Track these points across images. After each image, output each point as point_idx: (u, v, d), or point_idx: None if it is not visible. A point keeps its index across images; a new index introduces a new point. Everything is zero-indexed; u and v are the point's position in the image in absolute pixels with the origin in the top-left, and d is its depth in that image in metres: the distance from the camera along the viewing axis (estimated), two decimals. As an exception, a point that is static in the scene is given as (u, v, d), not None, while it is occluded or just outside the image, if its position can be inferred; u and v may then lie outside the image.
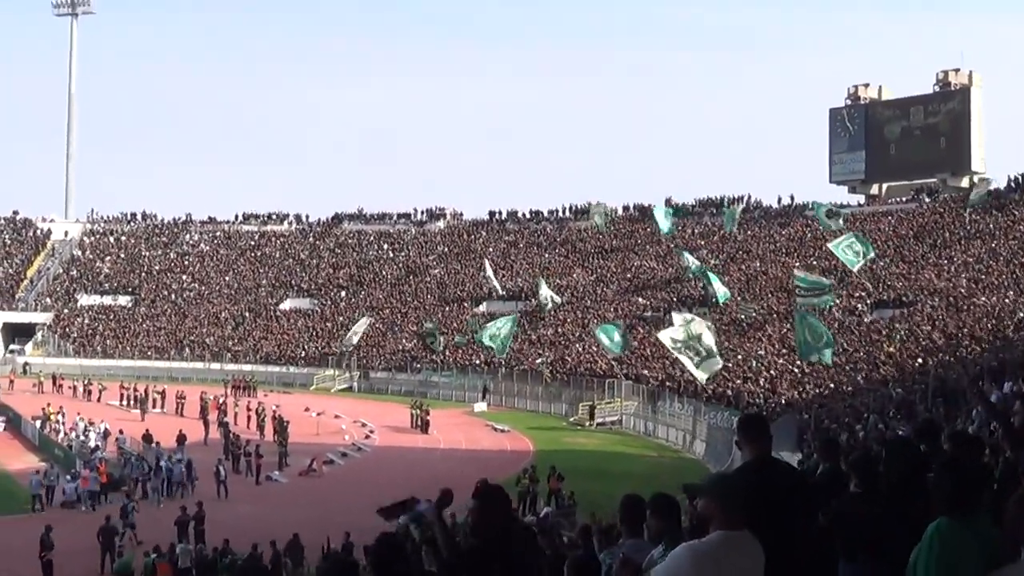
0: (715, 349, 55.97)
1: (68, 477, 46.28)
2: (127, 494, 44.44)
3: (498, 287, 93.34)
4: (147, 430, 56.71)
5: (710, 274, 77.52)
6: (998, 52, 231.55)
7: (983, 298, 64.83)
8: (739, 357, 65.03)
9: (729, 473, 8.46)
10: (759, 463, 8.18)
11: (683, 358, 55.77)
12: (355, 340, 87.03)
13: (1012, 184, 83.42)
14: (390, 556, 6.91)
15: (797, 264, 79.64)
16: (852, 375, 57.62)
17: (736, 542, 6.61)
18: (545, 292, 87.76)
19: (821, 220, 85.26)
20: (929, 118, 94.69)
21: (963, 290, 67.48)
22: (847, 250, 71.11)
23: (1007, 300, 63.35)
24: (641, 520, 8.99)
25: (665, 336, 57.67)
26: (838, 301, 71.92)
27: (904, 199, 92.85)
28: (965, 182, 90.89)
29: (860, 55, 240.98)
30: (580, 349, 78.63)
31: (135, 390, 74.12)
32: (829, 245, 73.76)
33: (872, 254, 72.65)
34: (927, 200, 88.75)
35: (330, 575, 6.71)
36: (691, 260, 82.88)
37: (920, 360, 56.08)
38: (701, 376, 56.00)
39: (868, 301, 71.48)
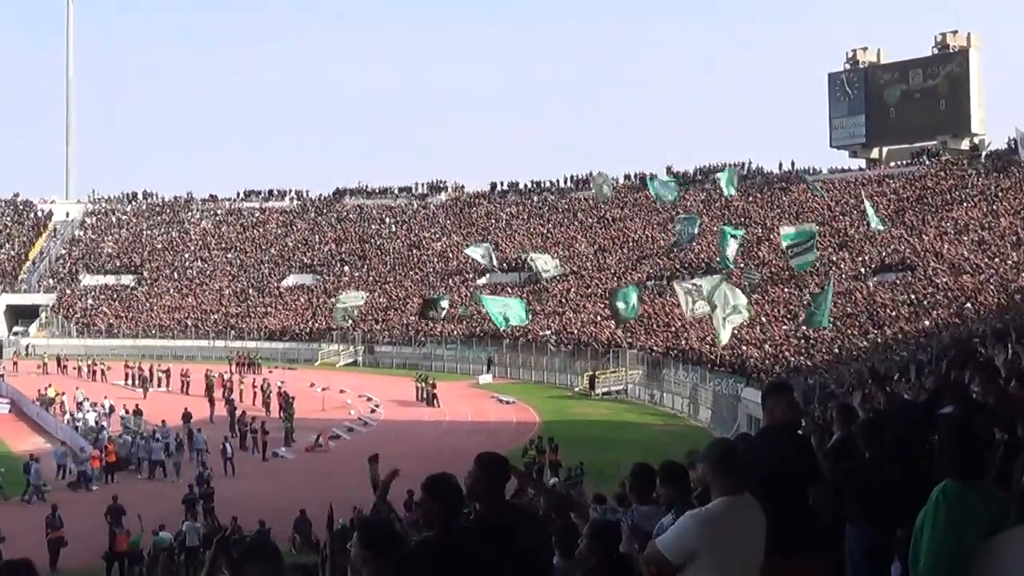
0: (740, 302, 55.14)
1: (74, 456, 46.42)
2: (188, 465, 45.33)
3: (492, 264, 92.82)
4: (136, 405, 57.53)
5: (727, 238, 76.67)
6: (996, 13, 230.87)
7: (985, 260, 64.81)
8: (744, 323, 65.01)
9: (728, 438, 8.50)
10: (772, 430, 8.21)
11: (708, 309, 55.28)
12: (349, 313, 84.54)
13: (1012, 145, 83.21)
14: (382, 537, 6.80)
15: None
16: (856, 340, 57.69)
17: (738, 507, 6.67)
18: (539, 264, 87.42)
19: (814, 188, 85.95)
20: (928, 80, 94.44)
21: (965, 252, 67.44)
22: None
23: (1009, 262, 63.34)
24: (651, 488, 9.02)
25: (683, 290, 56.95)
26: (840, 267, 72.07)
27: (904, 162, 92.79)
28: (965, 144, 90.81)
29: (858, 18, 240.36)
30: (584, 319, 78.63)
31: (140, 369, 74.25)
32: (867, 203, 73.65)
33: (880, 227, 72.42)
34: (927, 163, 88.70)
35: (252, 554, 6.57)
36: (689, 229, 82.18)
37: (925, 323, 56.21)
38: (725, 335, 55.67)
39: (871, 266, 71.52)
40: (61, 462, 45.26)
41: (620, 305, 65.67)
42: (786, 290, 70.33)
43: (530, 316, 69.60)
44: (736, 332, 60.88)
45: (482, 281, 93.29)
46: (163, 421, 51.29)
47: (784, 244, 66.33)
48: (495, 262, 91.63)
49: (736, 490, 6.68)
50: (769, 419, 8.38)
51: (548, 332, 76.86)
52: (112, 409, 58.47)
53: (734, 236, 69.11)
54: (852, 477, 8.75)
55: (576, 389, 70.70)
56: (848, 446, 9.46)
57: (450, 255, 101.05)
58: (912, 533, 6.35)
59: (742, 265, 76.59)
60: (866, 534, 8.53)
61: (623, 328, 70.71)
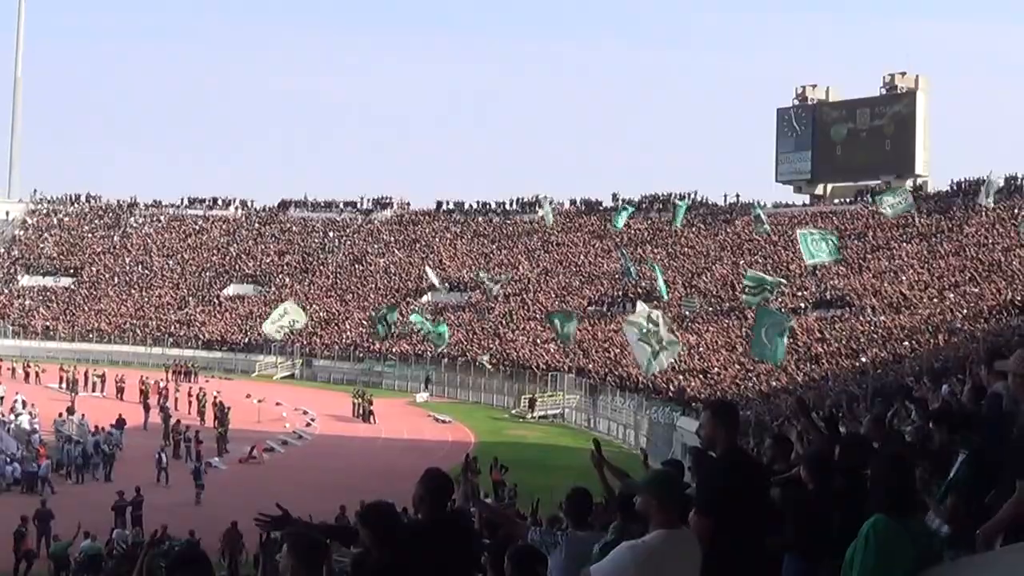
0: (672, 339, 54.87)
1: (7, 459, 45.97)
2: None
3: (437, 284, 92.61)
4: (68, 406, 57.27)
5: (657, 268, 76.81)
6: (943, 56, 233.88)
7: (924, 299, 65.45)
8: (682, 352, 65.22)
9: (668, 470, 8.48)
10: (727, 458, 8.17)
11: (639, 349, 55.13)
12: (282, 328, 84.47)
13: (954, 188, 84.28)
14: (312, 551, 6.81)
15: (746, 263, 79.79)
16: (792, 373, 58.07)
17: (675, 540, 6.63)
18: (489, 281, 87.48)
19: (757, 223, 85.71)
20: (875, 120, 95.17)
21: (904, 291, 68.07)
22: (814, 245, 70.72)
23: (947, 303, 63.98)
24: (587, 512, 9.04)
25: (629, 326, 56.94)
26: (779, 301, 72.56)
27: (848, 200, 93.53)
28: (909, 184, 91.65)
29: (808, 56, 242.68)
30: (524, 341, 78.73)
31: (75, 372, 73.61)
32: (801, 231, 73.03)
33: (832, 258, 72.00)
34: (870, 201, 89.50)
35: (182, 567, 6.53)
36: (630, 264, 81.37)
37: (862, 360, 56.64)
38: (655, 368, 55.69)
39: (810, 300, 72.05)
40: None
41: (556, 325, 65.59)
42: (725, 321, 70.71)
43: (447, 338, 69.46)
44: (675, 362, 61.18)
45: (424, 299, 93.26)
46: (96, 426, 51.03)
47: (745, 281, 66.92)
48: (436, 281, 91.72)
49: (674, 523, 6.67)
50: (726, 443, 8.17)
51: (485, 356, 76.79)
52: (25, 404, 58.23)
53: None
54: (796, 507, 8.80)
55: (513, 411, 70.79)
56: (787, 477, 9.52)
57: (393, 271, 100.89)
58: (842, 566, 6.41)
59: (682, 294, 76.95)
60: (803, 565, 8.57)
61: (563, 352, 70.90)
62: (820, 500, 8.85)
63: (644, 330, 49.21)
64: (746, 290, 64.67)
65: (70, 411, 56.06)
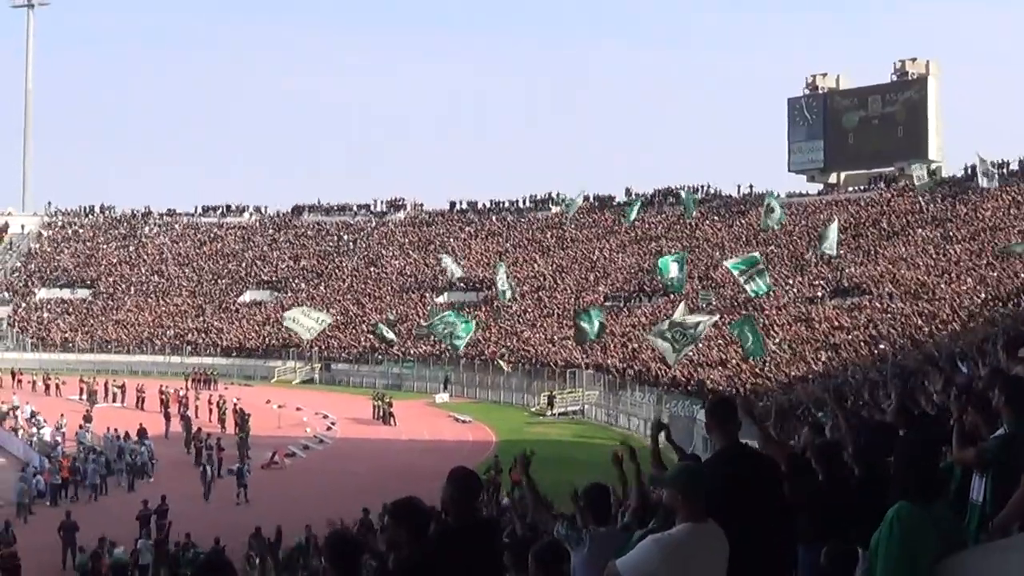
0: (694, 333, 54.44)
1: (32, 471, 46.17)
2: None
3: (456, 272, 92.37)
4: (84, 415, 57.68)
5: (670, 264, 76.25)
6: (954, 41, 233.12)
7: (941, 285, 65.27)
8: (700, 345, 65.10)
9: (694, 464, 8.47)
10: (729, 451, 8.19)
11: (663, 343, 54.89)
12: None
13: (968, 172, 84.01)
14: (345, 550, 6.83)
15: (761, 253, 79.43)
16: (812, 363, 57.95)
17: (702, 533, 6.62)
18: (502, 281, 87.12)
19: (767, 214, 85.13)
20: (887, 107, 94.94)
21: (920, 277, 67.91)
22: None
23: (964, 287, 63.79)
24: (606, 509, 9.03)
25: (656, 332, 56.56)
26: (796, 291, 72.41)
27: (861, 187, 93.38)
28: (916, 170, 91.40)
29: (817, 45, 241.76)
30: (541, 338, 78.66)
31: (95, 383, 73.80)
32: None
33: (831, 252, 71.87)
34: (884, 188, 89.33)
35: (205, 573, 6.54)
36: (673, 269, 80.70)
37: (881, 347, 56.47)
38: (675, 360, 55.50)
39: (827, 288, 71.90)
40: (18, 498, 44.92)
41: (585, 326, 65.45)
42: (743, 312, 70.48)
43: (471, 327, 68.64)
44: (693, 354, 61.12)
45: (440, 300, 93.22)
46: (125, 433, 51.44)
47: (735, 274, 66.34)
48: (458, 272, 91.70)
49: (701, 517, 6.66)
50: (726, 438, 8.28)
51: (502, 360, 76.59)
52: (33, 414, 59.01)
53: (675, 262, 68.35)
54: (808, 498, 8.78)
55: (532, 409, 70.74)
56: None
57: (408, 273, 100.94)
58: (868, 553, 6.40)
59: (698, 287, 76.83)
60: (815, 555, 8.55)
61: (581, 349, 70.77)
62: (829, 490, 8.84)
63: (676, 326, 48.91)
64: (743, 276, 64.27)
65: (87, 419, 56.36)
